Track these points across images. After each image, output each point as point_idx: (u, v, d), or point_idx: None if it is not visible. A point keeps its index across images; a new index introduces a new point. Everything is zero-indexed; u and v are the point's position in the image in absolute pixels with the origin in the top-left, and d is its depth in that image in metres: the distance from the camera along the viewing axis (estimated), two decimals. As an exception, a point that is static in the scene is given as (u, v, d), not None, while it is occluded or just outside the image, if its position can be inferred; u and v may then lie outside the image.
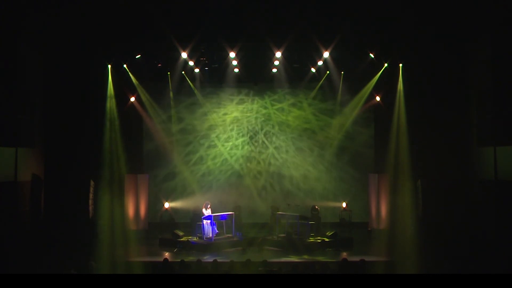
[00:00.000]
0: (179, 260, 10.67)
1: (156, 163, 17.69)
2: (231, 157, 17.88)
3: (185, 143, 17.84)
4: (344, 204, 17.18)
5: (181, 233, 14.80)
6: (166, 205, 17.20)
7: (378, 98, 16.83)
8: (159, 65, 16.08)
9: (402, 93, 15.02)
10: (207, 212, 14.55)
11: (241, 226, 15.54)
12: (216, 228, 14.61)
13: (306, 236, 14.53)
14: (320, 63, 15.69)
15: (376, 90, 16.54)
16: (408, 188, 14.31)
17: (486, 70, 13.33)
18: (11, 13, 12.34)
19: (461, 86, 14.43)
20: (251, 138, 17.93)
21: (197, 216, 15.07)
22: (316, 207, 16.14)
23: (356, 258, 11.08)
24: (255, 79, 17.38)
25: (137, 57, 14.97)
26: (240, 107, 17.94)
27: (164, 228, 16.27)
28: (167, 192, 17.55)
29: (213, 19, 13.23)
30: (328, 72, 16.38)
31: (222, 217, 14.85)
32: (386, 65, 15.15)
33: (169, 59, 15.61)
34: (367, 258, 10.72)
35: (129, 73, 15.66)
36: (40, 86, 14.19)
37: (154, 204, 17.27)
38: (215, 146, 17.88)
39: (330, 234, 14.63)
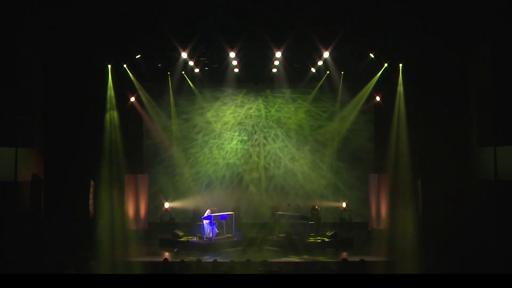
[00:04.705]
0: (179, 260, 10.67)
1: (156, 163, 17.69)
2: (231, 157, 17.87)
3: (185, 143, 17.85)
4: (344, 204, 17.17)
5: (181, 233, 14.80)
6: (166, 205, 17.20)
7: (378, 98, 16.83)
8: (159, 65, 16.08)
9: (402, 93, 15.01)
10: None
11: (241, 226, 15.55)
12: (216, 228, 14.61)
13: (306, 236, 14.53)
14: (320, 63, 15.69)
15: (376, 90, 16.54)
16: (408, 188, 14.30)
17: (486, 70, 13.32)
18: (11, 13, 12.33)
19: (461, 86, 14.41)
20: (251, 138, 17.93)
21: (197, 216, 15.08)
22: (316, 207, 16.14)
23: (356, 258, 11.08)
24: (255, 79, 17.37)
25: (137, 57, 14.97)
26: (240, 107, 17.93)
27: (164, 228, 16.27)
28: (167, 192, 17.55)
29: (213, 19, 13.22)
30: (328, 72, 16.38)
31: (222, 217, 14.85)
32: (386, 65, 15.15)
33: (169, 59, 15.61)
34: (367, 258, 10.73)
35: (129, 73, 15.66)
36: (40, 86, 14.17)
37: (154, 204, 17.28)
38: (215, 146, 17.88)
39: (330, 234, 14.63)
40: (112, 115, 15.04)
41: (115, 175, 14.64)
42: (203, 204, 15.90)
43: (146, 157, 17.74)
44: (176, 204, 17.32)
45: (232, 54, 14.70)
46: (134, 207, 16.27)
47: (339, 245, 14.45)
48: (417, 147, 14.54)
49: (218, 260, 11.22)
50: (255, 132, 17.95)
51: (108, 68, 14.78)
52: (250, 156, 17.86)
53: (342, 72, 16.56)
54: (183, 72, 16.47)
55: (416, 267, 10.81)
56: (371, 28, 13.53)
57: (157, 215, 17.27)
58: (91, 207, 14.94)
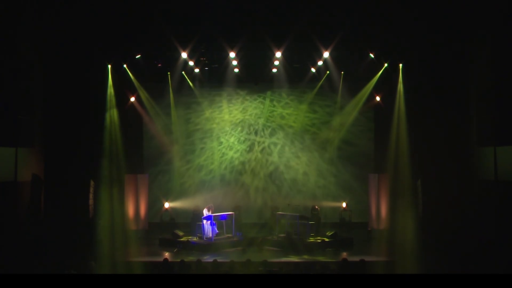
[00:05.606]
0: (179, 260, 10.67)
1: (156, 163, 17.69)
2: (231, 157, 17.87)
3: (185, 143, 17.85)
4: (344, 204, 17.17)
5: (181, 233, 14.80)
6: (166, 205, 17.20)
7: (378, 98, 16.83)
8: (159, 65, 16.08)
9: (402, 93, 15.01)
10: (208, 214, 14.53)
11: (241, 226, 15.55)
12: (216, 228, 14.61)
13: (306, 236, 14.53)
14: (320, 63, 15.69)
15: (376, 90, 16.54)
16: (408, 188, 14.30)
17: (486, 70, 13.33)
18: (11, 13, 12.34)
19: (461, 86, 14.42)
20: (251, 138, 17.92)
21: (197, 216, 15.07)
22: (316, 207, 16.14)
23: (356, 258, 11.08)
24: (255, 79, 17.37)
25: (137, 57, 14.97)
26: (240, 107, 17.93)
27: (164, 228, 16.27)
28: (167, 192, 17.55)
29: (213, 19, 13.23)
30: (328, 72, 16.38)
31: (222, 217, 14.85)
32: (386, 65, 15.15)
33: (169, 59, 15.61)
34: (367, 258, 10.72)
35: (129, 73, 15.66)
36: (40, 86, 14.18)
37: (154, 204, 17.27)
38: (215, 146, 17.88)
39: (330, 234, 14.63)
40: (112, 115, 15.04)
41: (115, 175, 14.63)
42: (203, 204, 15.89)
43: (146, 157, 17.74)
44: (176, 204, 17.31)
45: (232, 54, 14.70)
46: (134, 207, 16.27)
47: (339, 245, 14.45)
48: (417, 147, 14.54)
49: (218, 260, 11.22)
50: (255, 132, 17.94)
51: (108, 68, 14.78)
52: (250, 156, 17.85)
53: (342, 72, 16.55)
54: (183, 72, 16.46)
55: (416, 267, 10.80)
56: (371, 28, 13.53)
57: (157, 215, 17.26)
58: (91, 207, 14.94)
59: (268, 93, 17.85)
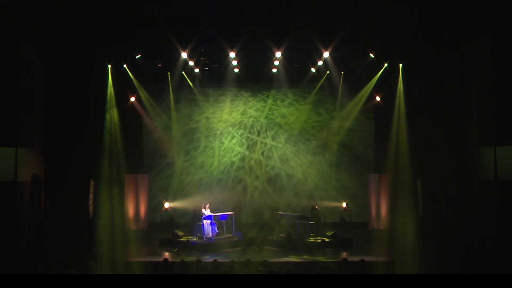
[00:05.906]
0: (179, 260, 10.67)
1: (156, 163, 17.70)
2: (231, 157, 17.87)
3: (185, 143, 17.86)
4: (344, 204, 17.17)
5: (181, 233, 14.81)
6: (166, 205, 17.20)
7: (378, 98, 16.83)
8: (159, 65, 16.08)
9: (402, 93, 15.02)
10: (206, 212, 14.56)
11: (241, 226, 15.55)
12: (216, 228, 14.62)
13: (306, 236, 14.53)
14: (320, 63, 15.69)
15: (376, 90, 16.54)
16: (408, 188, 14.30)
17: (486, 70, 13.32)
18: (11, 13, 12.33)
19: (461, 86, 14.41)
20: (251, 138, 17.93)
21: (197, 216, 15.07)
22: (316, 207, 16.15)
23: (356, 258, 11.08)
24: (255, 79, 17.37)
25: (137, 57, 14.98)
26: (240, 107, 17.94)
27: (164, 228, 16.27)
28: (167, 192, 17.55)
29: (213, 19, 13.23)
30: (328, 72, 16.38)
31: (222, 217, 14.86)
32: (386, 65, 15.15)
33: (169, 59, 15.61)
34: (367, 258, 10.73)
35: (129, 73, 15.66)
36: (40, 86, 14.17)
37: (154, 204, 17.28)
38: (215, 146, 17.88)
39: (330, 234, 14.63)
40: (112, 115, 15.04)
41: (115, 175, 14.63)
42: (202, 204, 15.90)
43: (146, 157, 17.75)
44: (176, 204, 17.32)
45: (232, 54, 14.70)
46: (134, 207, 16.27)
47: (339, 245, 14.46)
48: (417, 147, 14.54)
49: (218, 260, 11.22)
50: (255, 132, 17.95)
51: (108, 68, 14.78)
52: (250, 156, 17.85)
53: (342, 72, 16.56)
54: (183, 72, 16.47)
55: (416, 267, 10.80)
56: (371, 28, 13.53)
57: (157, 215, 17.27)
58: (91, 207, 14.94)
59: (273, 91, 17.86)
